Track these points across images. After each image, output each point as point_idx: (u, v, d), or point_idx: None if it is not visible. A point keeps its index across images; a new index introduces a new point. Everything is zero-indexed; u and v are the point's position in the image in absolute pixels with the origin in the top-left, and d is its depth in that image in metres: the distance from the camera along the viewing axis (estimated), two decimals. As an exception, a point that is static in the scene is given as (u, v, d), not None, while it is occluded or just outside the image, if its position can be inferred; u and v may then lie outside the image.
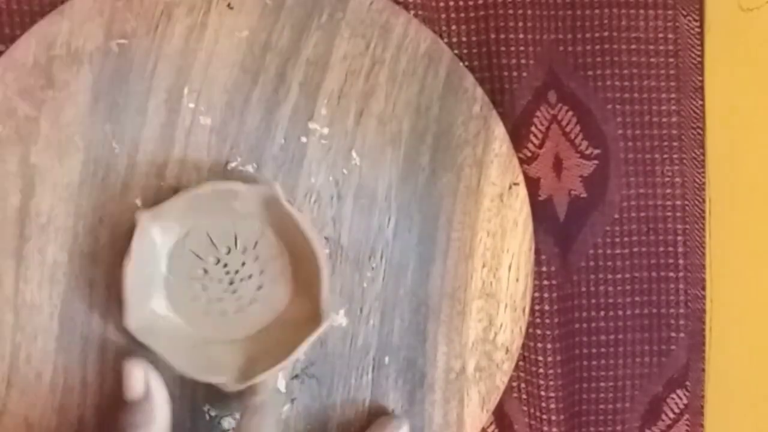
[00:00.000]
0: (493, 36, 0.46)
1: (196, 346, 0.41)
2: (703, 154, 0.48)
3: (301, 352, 0.40)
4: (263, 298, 0.42)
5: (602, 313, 0.48)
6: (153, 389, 0.39)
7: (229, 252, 0.42)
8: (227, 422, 0.43)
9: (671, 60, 0.48)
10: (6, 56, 0.42)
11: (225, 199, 0.40)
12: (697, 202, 0.48)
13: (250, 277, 0.42)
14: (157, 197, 0.41)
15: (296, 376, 0.43)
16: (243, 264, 0.42)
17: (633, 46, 0.47)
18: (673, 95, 0.48)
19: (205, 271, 0.42)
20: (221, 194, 0.40)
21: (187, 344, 0.41)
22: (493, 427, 0.47)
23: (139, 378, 0.39)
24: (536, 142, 0.47)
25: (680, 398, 0.49)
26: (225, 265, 0.42)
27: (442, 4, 0.46)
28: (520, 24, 0.46)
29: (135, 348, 0.41)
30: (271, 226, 0.41)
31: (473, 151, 0.45)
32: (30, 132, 0.41)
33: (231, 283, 0.42)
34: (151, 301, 0.41)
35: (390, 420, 0.43)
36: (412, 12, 0.46)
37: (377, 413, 0.44)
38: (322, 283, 0.41)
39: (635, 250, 0.48)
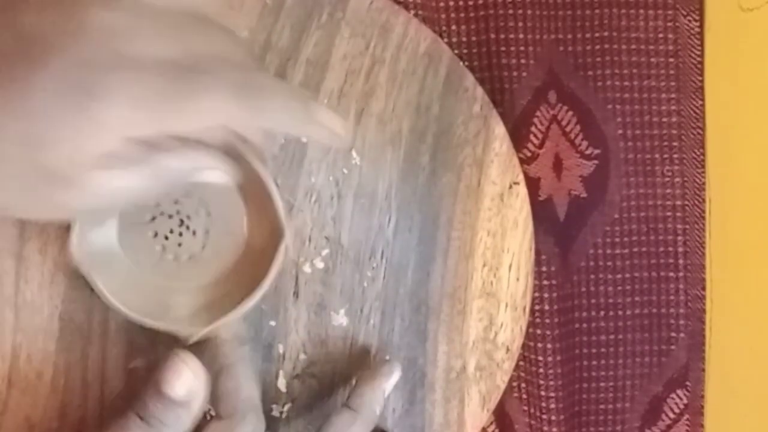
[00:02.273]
0: (493, 36, 0.47)
1: (151, 293, 0.40)
2: (703, 154, 0.48)
3: (269, 280, 0.38)
4: (215, 241, 0.41)
5: (602, 313, 0.48)
6: (195, 396, 0.36)
7: (176, 202, 0.41)
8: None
9: (671, 60, 0.48)
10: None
11: None
12: (697, 202, 0.48)
13: (198, 219, 0.41)
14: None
15: (297, 376, 0.43)
16: (194, 211, 0.41)
17: (633, 46, 0.48)
18: (673, 95, 0.48)
19: (153, 218, 0.41)
20: None
21: (142, 290, 0.40)
22: (493, 426, 0.47)
23: (186, 382, 0.35)
24: (536, 142, 0.47)
25: (680, 398, 0.49)
26: (177, 212, 0.41)
27: (442, 4, 0.46)
28: (520, 24, 0.46)
29: (134, 350, 0.40)
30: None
31: (473, 151, 0.45)
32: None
33: (180, 225, 0.41)
34: (100, 240, 0.39)
35: (381, 366, 0.43)
36: (412, 12, 0.46)
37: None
38: (277, 210, 0.38)
39: (635, 250, 0.48)
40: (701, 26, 0.48)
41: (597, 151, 0.48)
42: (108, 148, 0.29)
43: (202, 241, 0.41)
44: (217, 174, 0.35)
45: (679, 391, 0.49)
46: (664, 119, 0.48)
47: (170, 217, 0.41)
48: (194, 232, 0.41)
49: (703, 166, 0.48)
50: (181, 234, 0.41)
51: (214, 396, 0.37)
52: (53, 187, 0.30)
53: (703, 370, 0.49)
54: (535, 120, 0.47)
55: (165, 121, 0.30)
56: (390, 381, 0.42)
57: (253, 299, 0.39)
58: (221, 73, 0.31)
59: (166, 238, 0.41)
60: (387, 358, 0.44)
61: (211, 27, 0.33)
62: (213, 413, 0.42)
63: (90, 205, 0.31)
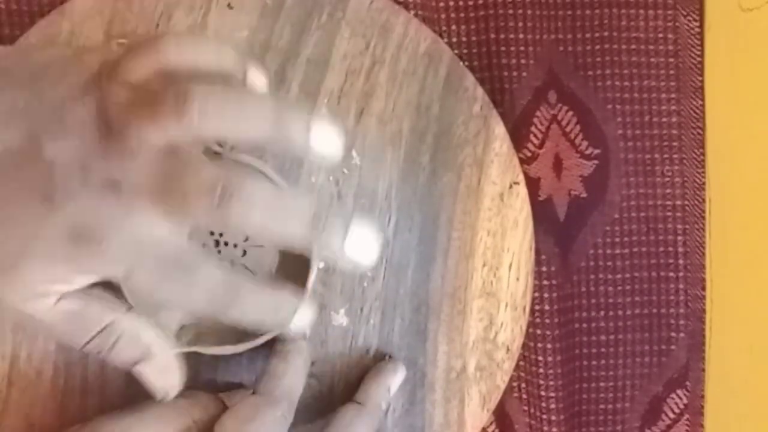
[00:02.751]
0: (493, 36, 0.47)
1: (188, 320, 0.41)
2: (703, 154, 0.48)
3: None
4: (249, 260, 0.42)
5: (602, 313, 0.48)
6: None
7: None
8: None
9: (671, 60, 0.48)
10: (6, 56, 0.42)
11: None
12: (697, 202, 0.48)
13: (235, 246, 0.41)
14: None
15: (296, 376, 0.43)
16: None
17: (633, 46, 0.47)
18: (673, 95, 0.48)
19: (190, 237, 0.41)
20: None
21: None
22: (493, 426, 0.47)
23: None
24: (536, 142, 0.47)
25: (680, 398, 0.49)
26: (211, 233, 0.41)
27: (442, 4, 0.46)
28: (520, 24, 0.46)
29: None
30: None
31: (473, 151, 0.45)
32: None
33: (217, 245, 0.41)
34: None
35: (386, 364, 0.43)
36: (412, 12, 0.46)
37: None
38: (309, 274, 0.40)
39: (635, 250, 0.48)
40: (701, 26, 0.48)
41: (597, 151, 0.48)
42: (74, 287, 0.32)
43: (237, 258, 0.42)
44: (150, 373, 0.37)
45: (679, 391, 0.49)
46: (664, 119, 0.48)
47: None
48: (234, 245, 0.41)
49: (703, 166, 0.48)
50: (217, 245, 0.41)
51: (262, 371, 0.38)
52: (20, 293, 0.32)
53: (703, 370, 0.49)
54: (535, 120, 0.47)
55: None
56: (395, 378, 0.43)
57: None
58: None
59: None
60: (387, 357, 0.44)
61: None
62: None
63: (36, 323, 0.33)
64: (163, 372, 0.36)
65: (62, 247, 0.30)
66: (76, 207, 0.30)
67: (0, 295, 0.31)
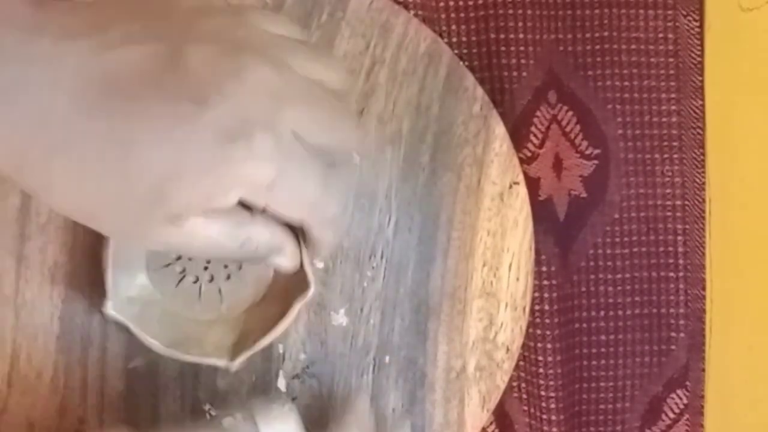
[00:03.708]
0: (493, 36, 0.47)
1: (183, 327, 0.41)
2: (703, 154, 0.48)
3: (290, 320, 0.39)
4: (243, 275, 0.42)
5: (602, 313, 0.48)
6: None
7: None
8: (227, 422, 0.42)
9: (671, 60, 0.48)
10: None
11: None
12: (697, 202, 0.48)
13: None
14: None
15: (296, 376, 0.43)
16: None
17: (633, 46, 0.48)
18: (673, 95, 0.48)
19: (179, 257, 0.41)
20: None
21: (174, 325, 0.41)
22: (493, 426, 0.47)
23: None
24: (536, 142, 0.47)
25: (680, 398, 0.49)
26: None
27: (442, 4, 0.46)
28: (520, 24, 0.46)
29: (134, 350, 0.41)
30: None
31: (473, 151, 0.45)
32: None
33: (208, 261, 0.42)
34: (133, 284, 0.40)
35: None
36: (412, 12, 0.46)
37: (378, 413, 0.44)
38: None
39: (635, 250, 0.48)
40: (701, 26, 0.48)
41: (597, 151, 0.48)
42: (228, 203, 0.31)
43: (230, 275, 0.42)
44: (287, 261, 0.36)
45: (679, 391, 0.49)
46: (664, 119, 0.48)
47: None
48: (225, 266, 0.42)
49: (703, 166, 0.48)
50: (206, 268, 0.42)
51: None
52: (158, 219, 0.30)
53: (703, 370, 0.49)
54: (535, 120, 0.47)
55: (279, 201, 0.32)
56: None
57: (274, 334, 0.39)
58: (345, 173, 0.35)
59: (196, 279, 0.42)
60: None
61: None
62: (213, 413, 0.42)
63: (172, 246, 0.32)
64: (292, 258, 0.36)
65: (212, 153, 0.30)
66: (228, 105, 0.30)
67: (146, 224, 0.31)
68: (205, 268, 0.42)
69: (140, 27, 0.30)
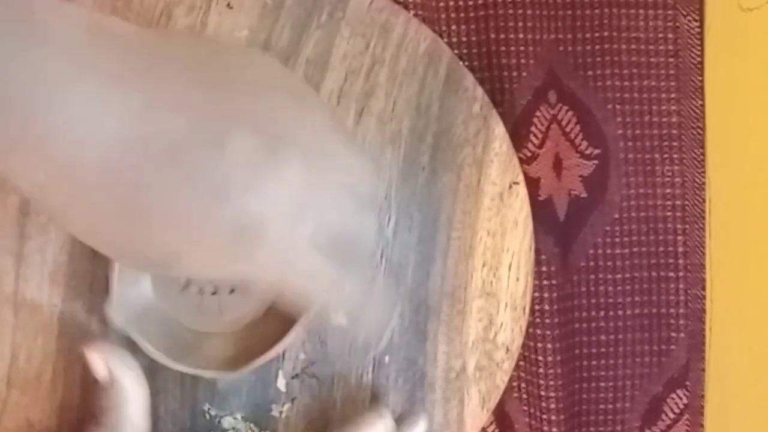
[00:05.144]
0: (493, 36, 0.47)
1: (182, 338, 0.41)
2: (703, 154, 0.48)
3: (291, 337, 0.40)
4: (246, 290, 0.42)
5: (602, 313, 0.48)
6: (115, 373, 0.38)
7: None
8: (227, 422, 0.43)
9: (671, 60, 0.48)
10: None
11: None
12: (697, 202, 0.48)
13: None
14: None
15: (296, 376, 0.43)
16: None
17: (633, 46, 0.47)
18: (673, 95, 0.48)
19: None
20: None
21: (174, 336, 0.41)
22: (493, 426, 0.47)
23: (100, 363, 0.38)
24: (536, 142, 0.47)
25: (680, 398, 0.49)
26: None
27: (442, 4, 0.46)
28: (520, 24, 0.46)
29: (134, 350, 0.41)
30: None
31: (473, 151, 0.45)
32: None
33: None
34: (136, 290, 0.41)
35: (407, 417, 0.43)
36: (412, 12, 0.46)
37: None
38: None
39: (635, 250, 0.48)
40: (701, 26, 0.48)
41: (597, 151, 0.48)
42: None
43: (233, 289, 0.42)
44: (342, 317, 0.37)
45: (679, 391, 0.49)
46: (664, 119, 0.48)
47: None
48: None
49: (703, 166, 0.48)
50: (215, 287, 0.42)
51: None
52: (243, 243, 0.29)
53: (703, 370, 0.49)
54: (535, 120, 0.47)
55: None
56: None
57: (273, 352, 0.40)
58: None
59: (200, 290, 0.42)
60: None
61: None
62: (213, 413, 0.42)
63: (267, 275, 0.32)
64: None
65: (224, 242, 0.29)
66: (248, 202, 0.28)
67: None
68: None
69: (195, 93, 0.29)
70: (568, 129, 0.47)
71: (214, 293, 0.42)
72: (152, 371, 0.40)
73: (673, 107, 0.48)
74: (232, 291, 0.42)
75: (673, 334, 0.48)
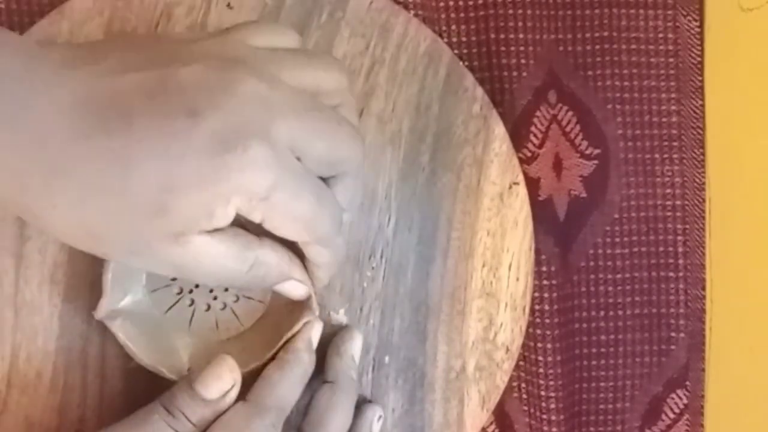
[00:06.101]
0: (493, 36, 0.47)
1: (172, 346, 0.41)
2: (703, 154, 0.48)
3: (274, 351, 0.40)
4: (238, 306, 0.42)
5: (602, 313, 0.48)
6: (226, 400, 0.37)
7: None
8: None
9: (671, 60, 0.48)
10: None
11: None
12: (697, 202, 0.48)
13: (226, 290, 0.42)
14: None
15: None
16: None
17: (633, 46, 0.47)
18: (673, 95, 0.48)
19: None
20: None
21: (164, 344, 0.41)
22: (493, 426, 0.47)
23: (222, 386, 0.37)
24: (536, 142, 0.47)
25: (680, 398, 0.49)
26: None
27: (442, 4, 0.46)
28: (520, 24, 0.46)
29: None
30: None
31: (473, 151, 0.45)
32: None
33: (210, 290, 0.42)
34: (129, 297, 0.40)
35: (342, 336, 0.43)
36: (412, 12, 0.46)
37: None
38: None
39: (635, 250, 0.48)
40: (701, 26, 0.48)
41: (597, 151, 0.48)
42: (227, 214, 0.31)
43: (225, 305, 0.42)
44: (295, 287, 0.38)
45: (679, 391, 0.49)
46: (664, 119, 0.48)
47: None
48: (224, 290, 0.42)
49: (703, 166, 0.48)
50: (212, 291, 0.42)
51: (260, 376, 0.39)
52: (161, 237, 0.31)
53: (703, 370, 0.49)
54: (535, 120, 0.47)
55: (275, 214, 0.32)
56: (354, 345, 0.43)
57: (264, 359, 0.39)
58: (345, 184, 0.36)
59: (191, 292, 0.42)
60: (343, 323, 0.44)
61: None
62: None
63: (178, 269, 0.33)
64: (299, 284, 0.38)
65: (209, 163, 0.30)
66: (221, 116, 0.31)
67: (150, 242, 0.31)
68: (209, 292, 0.42)
69: (134, 56, 0.32)
70: (568, 129, 0.47)
71: (207, 309, 0.42)
72: (152, 371, 0.40)
73: (673, 107, 0.48)
74: (224, 307, 0.42)
75: (673, 334, 0.48)
